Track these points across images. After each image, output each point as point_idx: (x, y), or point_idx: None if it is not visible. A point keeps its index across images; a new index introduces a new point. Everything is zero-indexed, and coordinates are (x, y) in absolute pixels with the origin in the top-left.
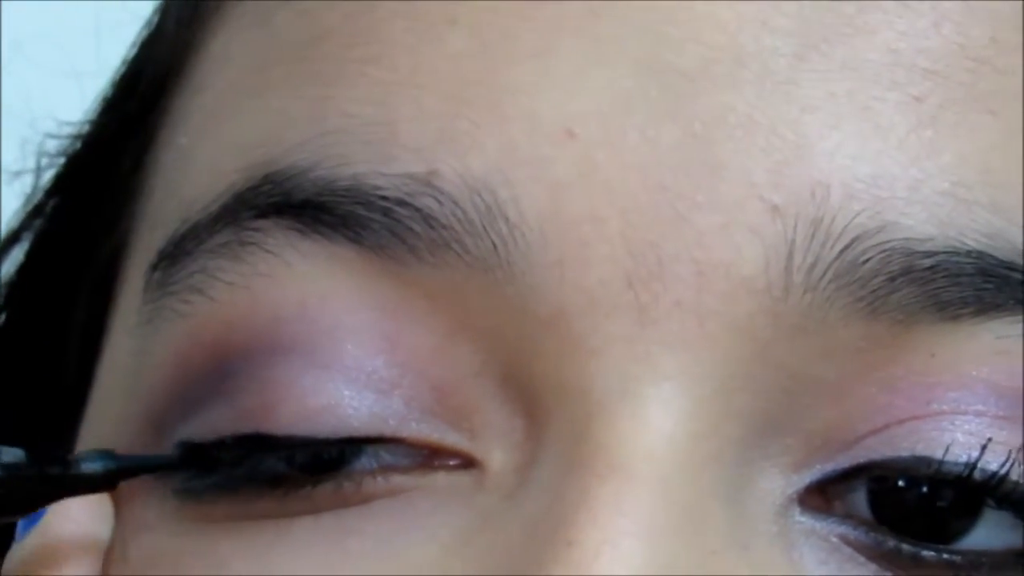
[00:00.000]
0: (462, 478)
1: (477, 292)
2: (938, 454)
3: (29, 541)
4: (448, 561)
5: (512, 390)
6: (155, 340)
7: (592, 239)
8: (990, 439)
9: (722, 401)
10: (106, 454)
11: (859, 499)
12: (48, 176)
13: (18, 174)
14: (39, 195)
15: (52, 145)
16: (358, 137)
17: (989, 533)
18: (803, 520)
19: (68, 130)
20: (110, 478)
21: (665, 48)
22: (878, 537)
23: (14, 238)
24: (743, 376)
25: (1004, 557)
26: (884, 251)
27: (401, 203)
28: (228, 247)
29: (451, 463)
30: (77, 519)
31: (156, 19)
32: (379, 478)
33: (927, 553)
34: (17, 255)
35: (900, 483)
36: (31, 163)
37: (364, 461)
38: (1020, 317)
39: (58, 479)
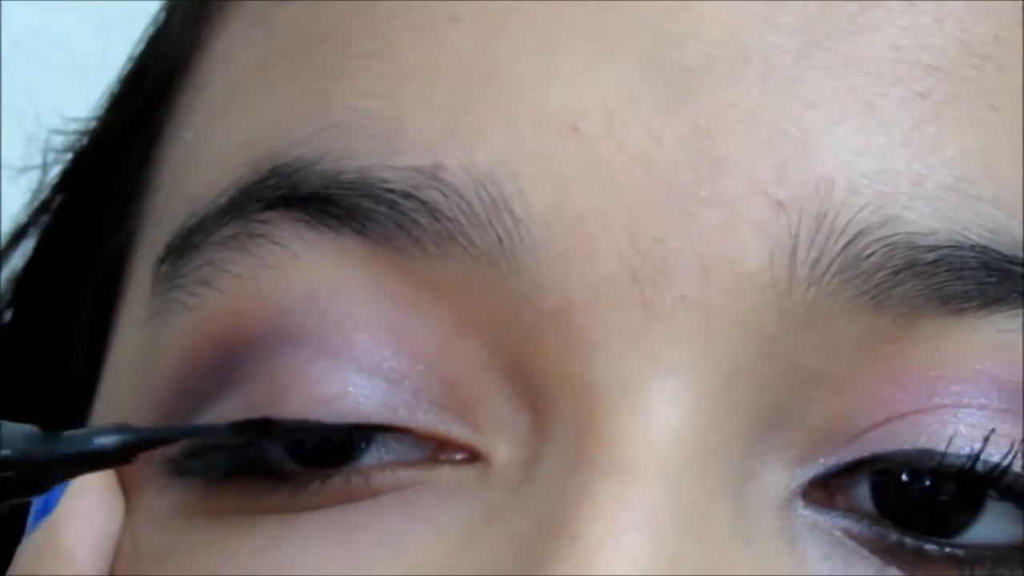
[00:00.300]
0: (467, 472)
1: (482, 285)
2: (941, 446)
3: (39, 534)
4: (454, 556)
5: (518, 384)
6: (163, 333)
7: (597, 234)
8: (992, 431)
9: (726, 395)
10: (122, 428)
11: (862, 492)
12: (54, 172)
13: (24, 170)
14: (45, 191)
15: (58, 141)
16: (364, 130)
17: (992, 527)
18: (806, 514)
19: (74, 126)
20: (126, 452)
21: (669, 44)
22: (881, 530)
23: (21, 234)
24: (747, 370)
25: (1007, 551)
26: (887, 245)
27: (407, 196)
28: (235, 239)
29: (457, 457)
30: (87, 512)
31: (162, 17)
32: (387, 472)
33: (930, 547)
34: (24, 251)
35: (903, 476)
36: (36, 160)
37: (373, 453)
38: (1022, 311)
39: (72, 455)
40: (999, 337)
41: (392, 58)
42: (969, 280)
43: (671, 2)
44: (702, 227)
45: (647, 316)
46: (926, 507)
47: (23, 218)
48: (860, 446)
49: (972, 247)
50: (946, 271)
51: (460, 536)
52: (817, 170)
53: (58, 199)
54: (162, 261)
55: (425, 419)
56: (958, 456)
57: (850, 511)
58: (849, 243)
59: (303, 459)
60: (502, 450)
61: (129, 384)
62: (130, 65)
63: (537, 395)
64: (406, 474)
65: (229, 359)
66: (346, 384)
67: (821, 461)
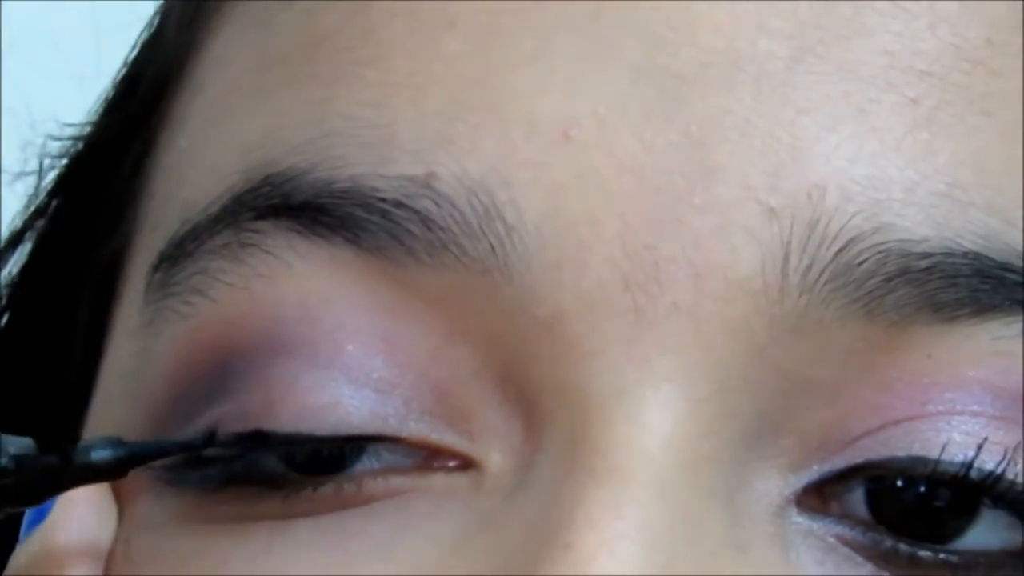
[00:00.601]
0: (460, 479)
1: (475, 294)
2: (934, 453)
3: (32, 542)
4: (447, 563)
5: (510, 392)
6: (156, 342)
7: (589, 241)
8: (986, 438)
9: (719, 403)
10: (115, 442)
11: (856, 499)
12: (50, 177)
13: (20, 175)
14: (41, 196)
15: (54, 147)
16: (357, 139)
17: (986, 533)
18: (800, 520)
19: (70, 132)
20: (120, 466)
21: (661, 51)
22: (875, 537)
23: (17, 238)
24: (740, 377)
25: (1001, 557)
26: (880, 252)
27: (399, 205)
28: (228, 248)
29: (450, 464)
30: (80, 520)
31: (156, 21)
32: (379, 479)
33: (924, 553)
34: (19, 256)
35: (897, 483)
36: (31, 164)
37: (365, 461)
38: (1017, 318)
39: (67, 468)
40: (993, 344)
41: (387, 65)
42: (962, 287)
43: (664, 8)
44: (694, 234)
45: (639, 323)
46: (921, 513)
47: (19, 223)
48: (854, 453)
49: (965, 254)
50: (939, 278)
51: (452, 543)
52: (809, 177)
53: (54, 204)
54: (155, 269)
55: (417, 427)
56: (952, 463)
57: (844, 517)
58: (841, 250)
59: (296, 467)
60: (495, 458)
61: (123, 391)
62: (125, 69)
63: (530, 403)
64: (398, 481)
65: (222, 368)
66: (338, 394)
67: (815, 468)
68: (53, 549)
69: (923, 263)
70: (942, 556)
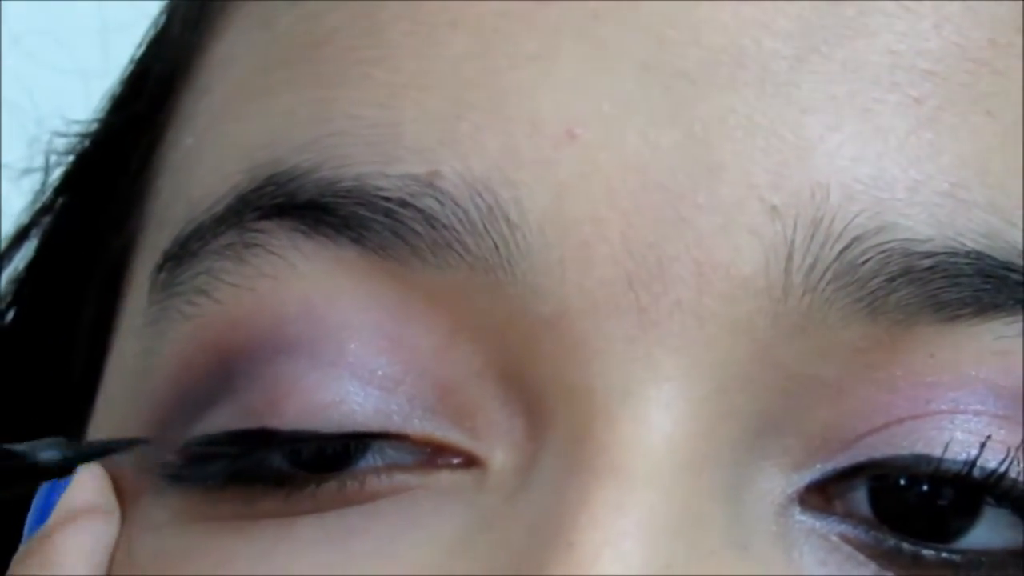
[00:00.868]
0: (464, 477)
1: (479, 292)
2: (937, 452)
3: (34, 543)
4: (450, 561)
5: (513, 390)
6: (161, 342)
7: (593, 240)
8: (989, 437)
9: (721, 402)
10: (60, 442)
11: (859, 498)
12: (56, 174)
13: (26, 172)
14: (47, 193)
15: (60, 144)
16: (362, 138)
17: (989, 532)
18: (803, 519)
19: (76, 129)
20: (67, 464)
21: (666, 50)
22: (878, 536)
23: (23, 235)
24: (742, 377)
25: (1004, 556)
26: (883, 252)
27: (403, 204)
28: (232, 248)
29: (453, 462)
30: (83, 522)
31: (163, 20)
32: (383, 476)
33: (927, 552)
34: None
35: (900, 482)
36: (36, 162)
37: (368, 458)
38: (1019, 317)
39: (14, 469)
40: (995, 344)
41: (392, 65)
42: (965, 287)
43: (668, 8)
44: (697, 233)
45: (643, 322)
46: (923, 512)
47: (25, 219)
48: (857, 452)
49: (968, 254)
50: (942, 278)
51: (456, 542)
52: (813, 176)
53: (60, 201)
54: (160, 268)
55: (421, 425)
56: (954, 462)
57: (847, 516)
58: (845, 249)
59: (299, 465)
60: (498, 455)
61: (127, 390)
62: (131, 67)
63: (533, 401)
64: (402, 478)
65: (226, 368)
66: (342, 391)
67: (818, 467)
68: (55, 551)
69: (926, 262)
70: (945, 555)
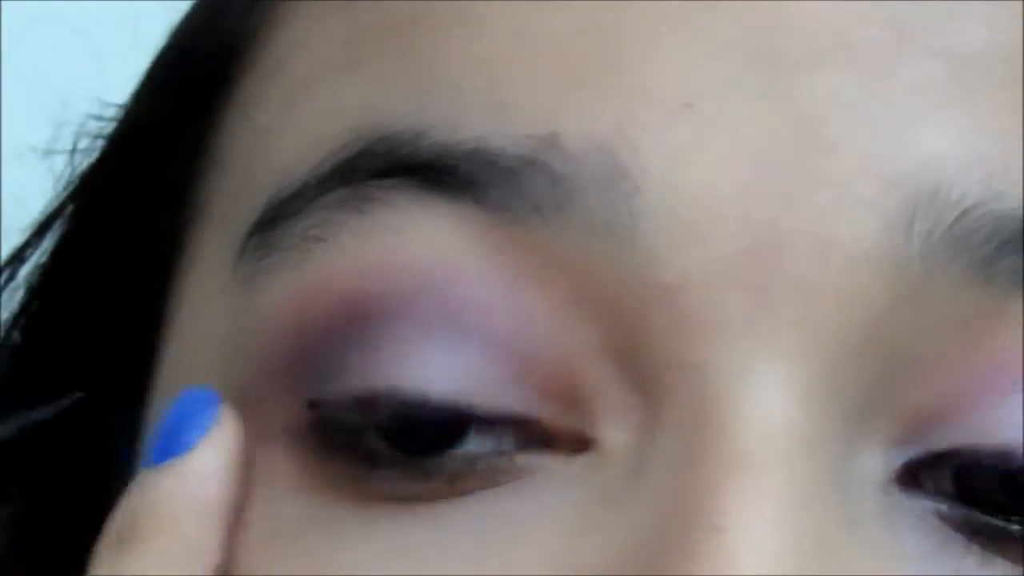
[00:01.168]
0: (581, 459)
1: (597, 258)
2: None
3: (151, 490)
4: (576, 542)
5: (628, 366)
6: (264, 293)
7: (713, 211)
8: None
9: (832, 379)
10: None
11: (945, 474)
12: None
13: (48, 153)
14: (78, 175)
15: (92, 127)
16: (471, 104)
17: None
18: (902, 498)
19: (110, 112)
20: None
21: (770, 35)
22: (969, 514)
23: (50, 222)
24: (854, 351)
25: None
26: (998, 218)
27: (525, 162)
28: (348, 203)
29: (569, 444)
30: (207, 475)
31: (202, 8)
32: (503, 459)
33: (1015, 527)
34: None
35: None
36: (52, 144)
37: (487, 442)
38: None
39: None
40: None
41: (491, 41)
42: None
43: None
44: (816, 208)
45: (761, 298)
46: (1006, 488)
47: (54, 203)
48: (950, 432)
49: None
50: None
51: (580, 521)
52: (925, 149)
53: (94, 186)
54: (251, 234)
55: (541, 407)
56: None
57: (938, 494)
58: (961, 215)
59: (406, 441)
60: (614, 435)
61: (215, 354)
62: (171, 53)
63: (649, 379)
64: (524, 460)
65: (354, 317)
66: (458, 362)
67: (915, 445)
68: (194, 468)
69: None
70: None
